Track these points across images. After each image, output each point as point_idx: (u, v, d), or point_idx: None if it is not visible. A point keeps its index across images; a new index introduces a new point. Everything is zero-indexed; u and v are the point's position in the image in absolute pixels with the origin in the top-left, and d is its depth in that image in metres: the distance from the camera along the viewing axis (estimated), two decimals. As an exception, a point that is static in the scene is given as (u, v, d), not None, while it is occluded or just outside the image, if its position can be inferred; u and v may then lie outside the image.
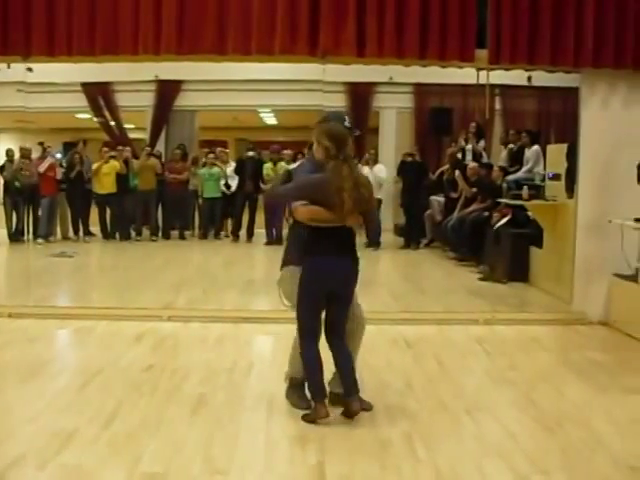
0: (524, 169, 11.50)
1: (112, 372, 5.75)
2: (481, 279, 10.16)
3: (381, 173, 13.66)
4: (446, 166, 13.51)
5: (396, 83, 14.88)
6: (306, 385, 4.83)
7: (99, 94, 16.30)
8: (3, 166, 14.20)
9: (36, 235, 13.83)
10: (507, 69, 8.13)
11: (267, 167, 14.39)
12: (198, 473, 3.93)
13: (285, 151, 15.06)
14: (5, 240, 13.83)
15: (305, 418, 4.64)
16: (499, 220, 10.54)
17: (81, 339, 7.02)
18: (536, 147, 11.44)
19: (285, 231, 14.50)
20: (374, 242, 13.20)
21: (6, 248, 13.66)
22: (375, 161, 13.96)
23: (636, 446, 4.42)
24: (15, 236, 13.94)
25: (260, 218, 14.55)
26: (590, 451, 4.32)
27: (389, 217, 14.55)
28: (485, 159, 13.07)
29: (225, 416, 4.79)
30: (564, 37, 7.12)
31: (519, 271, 9.96)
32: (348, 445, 4.24)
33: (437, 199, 13.53)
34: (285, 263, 5.04)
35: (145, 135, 16.65)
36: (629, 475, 4.01)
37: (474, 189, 11.97)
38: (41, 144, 14.39)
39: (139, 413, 4.82)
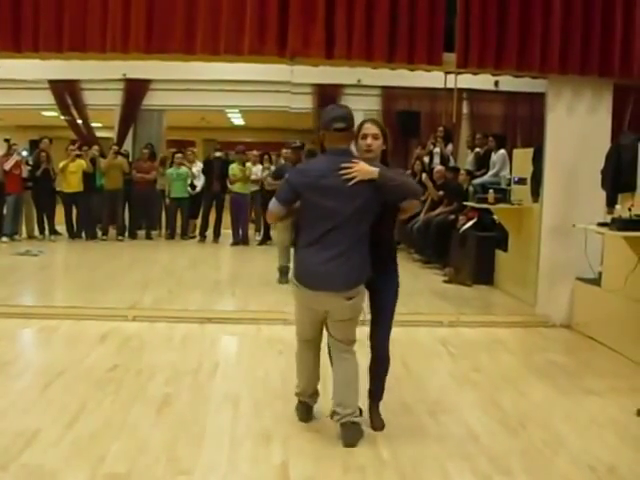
0: (490, 173, 11.60)
1: (76, 372, 5.72)
2: (446, 281, 10.22)
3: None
4: (409, 170, 13.54)
5: (364, 86, 14.95)
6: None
7: (66, 92, 16.18)
8: (-32, 163, 14.02)
9: (1, 233, 13.69)
10: (475, 73, 8.20)
11: (233, 167, 14.34)
12: (162, 474, 3.92)
13: (251, 152, 15.03)
14: (-31, 238, 13.68)
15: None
16: (465, 223, 10.60)
17: (45, 338, 6.95)
18: (502, 151, 11.54)
19: (251, 232, 14.62)
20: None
21: (-30, 246, 13.49)
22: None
23: (595, 446, 4.47)
24: (-21, 234, 13.79)
25: (227, 219, 14.54)
26: (551, 452, 4.37)
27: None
28: (452, 162, 13.15)
29: (190, 416, 4.79)
30: (531, 43, 7.20)
31: (484, 274, 10.04)
32: (312, 446, 4.25)
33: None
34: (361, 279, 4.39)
35: (112, 134, 16.54)
36: (589, 475, 4.06)
37: (441, 192, 12.03)
38: (7, 141, 14.24)
39: (103, 413, 4.80)
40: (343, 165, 4.20)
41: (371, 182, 4.19)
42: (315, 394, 4.77)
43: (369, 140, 4.40)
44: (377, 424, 4.65)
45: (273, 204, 4.44)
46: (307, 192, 4.27)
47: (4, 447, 4.17)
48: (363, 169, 4.19)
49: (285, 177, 4.56)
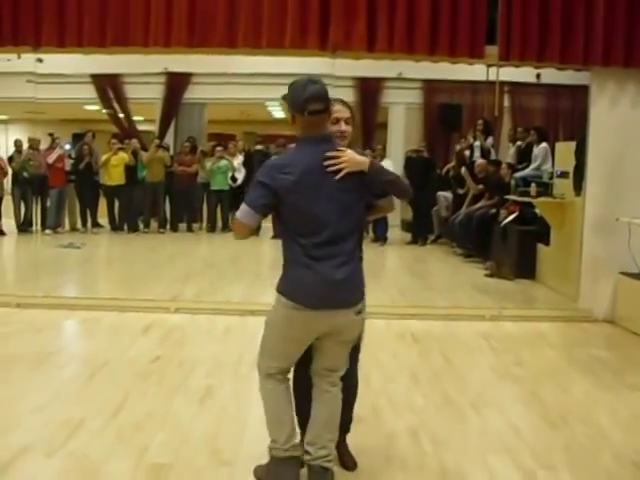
0: (532, 166, 11.48)
1: (119, 363, 5.79)
2: (488, 275, 10.17)
3: (389, 168, 13.61)
4: (452, 163, 13.50)
5: (405, 79, 14.89)
6: None
7: (108, 86, 16.30)
8: (12, 157, 14.23)
9: (44, 226, 13.88)
10: (517, 66, 8.12)
11: (274, 160, 14.33)
12: (204, 464, 3.96)
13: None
14: (13, 231, 13.88)
15: None
16: (506, 217, 10.53)
17: (88, 330, 7.05)
18: (544, 144, 11.43)
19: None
20: (381, 237, 13.25)
21: (14, 239, 13.69)
22: (383, 156, 13.94)
23: (639, 442, 4.43)
24: (23, 227, 13.99)
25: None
26: (594, 447, 4.34)
27: (396, 213, 14.51)
28: (493, 156, 13.06)
29: (232, 408, 4.83)
30: (574, 35, 7.13)
31: (526, 268, 9.96)
32: (354, 438, 4.26)
33: (444, 195, 13.53)
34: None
35: (154, 127, 16.66)
36: (632, 470, 4.03)
37: (480, 186, 11.96)
38: (51, 135, 14.42)
39: (146, 404, 4.86)
40: (328, 155, 3.44)
41: (361, 175, 3.48)
42: (301, 442, 3.76)
43: (342, 126, 3.70)
44: (349, 462, 4.00)
45: (245, 213, 3.47)
46: (291, 194, 3.40)
47: (50, 436, 4.25)
48: (352, 159, 3.45)
49: (256, 177, 3.52)
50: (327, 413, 3.67)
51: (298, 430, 3.76)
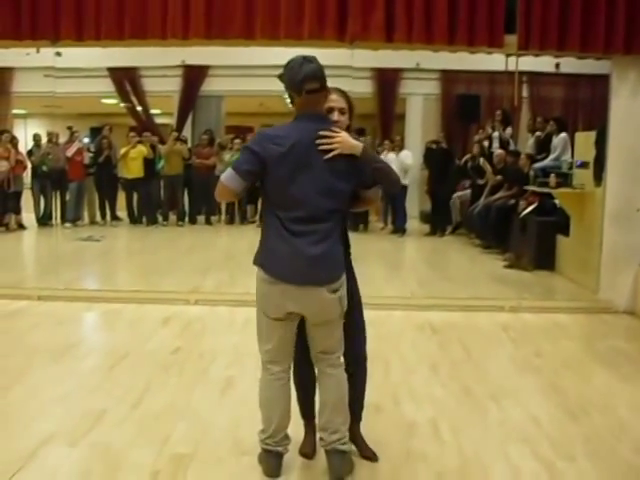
0: (552, 156, 11.41)
1: (140, 354, 5.83)
2: (507, 266, 10.13)
3: (407, 159, 13.61)
4: (469, 155, 13.44)
5: (423, 69, 14.81)
6: None
7: (126, 79, 16.32)
8: (31, 151, 14.29)
9: (64, 219, 13.96)
10: (536, 55, 8.07)
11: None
12: (226, 454, 3.98)
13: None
14: (33, 224, 13.95)
15: None
16: (526, 208, 10.49)
17: (109, 321, 7.10)
18: (564, 134, 11.35)
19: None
20: (400, 229, 13.24)
21: (34, 232, 13.76)
22: (401, 147, 13.92)
23: (661, 434, 4.42)
24: (43, 220, 14.06)
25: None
26: (614, 438, 4.32)
27: (415, 204, 14.51)
28: (512, 146, 13.00)
29: (252, 398, 4.78)
30: (595, 23, 7.05)
31: (545, 259, 9.92)
32: (374, 429, 4.26)
33: (459, 195, 13.48)
34: None
35: (172, 120, 16.69)
36: (654, 462, 4.02)
37: (499, 176, 11.92)
38: (69, 128, 14.50)
39: (167, 395, 4.89)
40: (321, 134, 3.43)
41: (351, 158, 3.47)
42: (286, 438, 3.80)
43: (335, 115, 3.67)
44: (368, 453, 3.97)
45: (229, 177, 3.48)
46: (277, 166, 3.42)
47: (72, 426, 4.29)
48: (346, 141, 3.44)
49: (245, 145, 3.60)
50: (334, 397, 3.68)
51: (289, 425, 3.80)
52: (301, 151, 3.42)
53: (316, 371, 3.79)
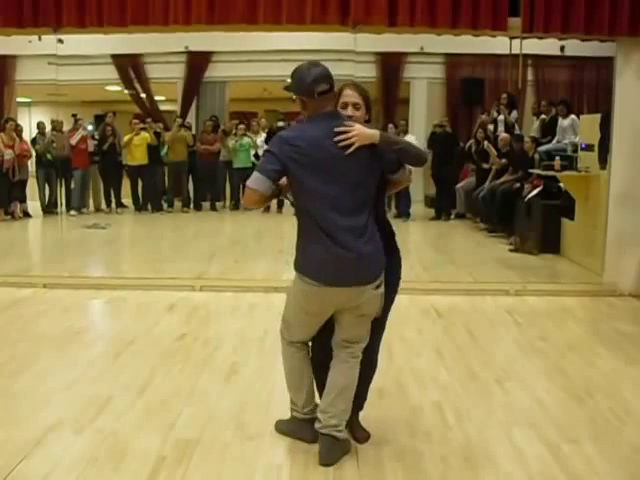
0: (566, 140, 11.35)
1: (145, 341, 5.85)
2: (512, 250, 10.14)
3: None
4: (472, 140, 13.40)
5: (427, 53, 14.77)
6: None
7: (129, 66, 16.30)
8: (35, 139, 14.30)
9: (69, 207, 13.99)
10: (540, 38, 8.05)
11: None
12: (231, 439, 3.99)
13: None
14: (39, 212, 14.01)
15: None
16: (530, 191, 10.48)
17: (115, 308, 7.12)
18: (573, 116, 11.31)
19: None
20: (404, 213, 13.22)
21: (40, 220, 13.81)
22: (405, 132, 13.89)
23: (666, 416, 4.42)
24: (48, 208, 14.11)
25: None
26: (619, 421, 4.32)
27: (420, 188, 14.49)
28: (517, 130, 12.96)
29: (257, 384, 4.86)
30: (599, 4, 7.00)
31: (550, 242, 9.91)
32: (379, 412, 4.27)
33: (462, 185, 13.46)
34: None
35: (175, 107, 16.67)
36: (659, 444, 4.02)
37: (503, 160, 11.90)
38: (74, 116, 14.50)
39: (173, 381, 4.90)
40: (337, 130, 3.45)
41: (372, 148, 3.48)
42: (315, 406, 3.91)
43: (349, 110, 3.65)
44: (360, 434, 3.99)
45: (254, 180, 3.46)
46: (298, 167, 3.45)
47: (78, 413, 4.31)
48: (362, 133, 3.45)
49: (267, 148, 3.59)
50: (343, 382, 3.72)
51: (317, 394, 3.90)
52: (320, 150, 3.45)
53: (333, 355, 3.80)
